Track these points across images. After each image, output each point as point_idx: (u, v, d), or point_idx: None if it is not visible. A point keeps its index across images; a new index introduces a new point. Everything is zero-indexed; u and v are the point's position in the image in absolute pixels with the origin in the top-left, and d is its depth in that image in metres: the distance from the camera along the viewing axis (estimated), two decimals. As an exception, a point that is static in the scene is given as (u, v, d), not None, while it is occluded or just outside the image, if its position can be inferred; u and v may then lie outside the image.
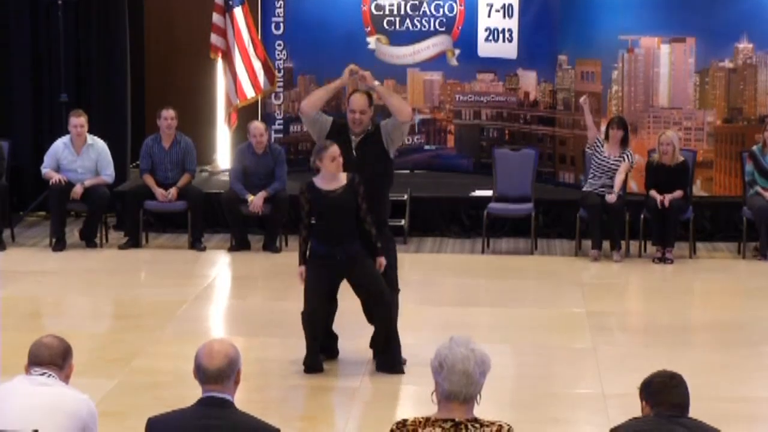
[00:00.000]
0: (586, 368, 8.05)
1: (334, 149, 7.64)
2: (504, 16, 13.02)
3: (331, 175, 7.67)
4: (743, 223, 11.49)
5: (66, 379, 4.64)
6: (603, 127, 11.82)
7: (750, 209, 11.43)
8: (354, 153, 7.89)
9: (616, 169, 11.38)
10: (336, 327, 8.22)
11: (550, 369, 8.09)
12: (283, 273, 10.90)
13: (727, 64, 12.26)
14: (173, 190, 11.73)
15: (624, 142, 11.45)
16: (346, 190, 7.68)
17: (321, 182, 7.72)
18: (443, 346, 4.06)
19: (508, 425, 4.00)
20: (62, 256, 11.39)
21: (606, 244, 11.38)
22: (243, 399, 4.28)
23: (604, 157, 11.41)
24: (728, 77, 12.29)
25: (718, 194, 12.33)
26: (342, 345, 8.32)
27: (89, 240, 11.74)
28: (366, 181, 7.77)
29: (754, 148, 11.53)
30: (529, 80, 13.11)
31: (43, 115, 13.08)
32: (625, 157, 11.42)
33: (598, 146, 11.47)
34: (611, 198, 11.21)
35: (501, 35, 13.06)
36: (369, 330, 8.77)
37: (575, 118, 12.71)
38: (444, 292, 10.29)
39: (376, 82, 8.06)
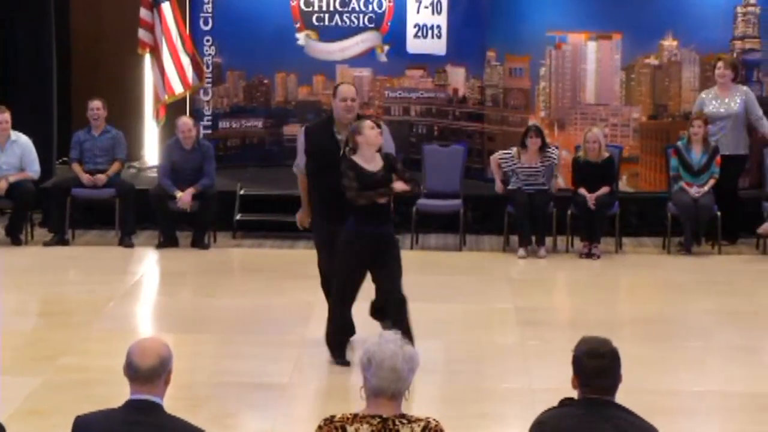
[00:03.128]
0: (515, 363, 8.10)
1: (369, 122, 7.68)
2: (433, 13, 13.04)
3: (371, 154, 7.58)
4: (668, 218, 11.63)
5: None
6: (531, 124, 11.91)
7: (675, 204, 11.57)
8: (342, 150, 7.77)
9: (539, 171, 11.48)
10: (265, 324, 8.19)
11: (479, 364, 8.13)
12: (212, 269, 10.87)
13: (653, 60, 12.41)
14: (101, 176, 11.69)
15: (542, 148, 11.52)
16: (385, 170, 7.66)
17: (362, 161, 7.61)
18: (373, 342, 4.07)
19: (436, 421, 4.02)
20: (-13, 253, 11.26)
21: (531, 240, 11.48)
22: (171, 396, 4.26)
23: (525, 167, 11.49)
24: (653, 74, 12.44)
25: (644, 189, 12.48)
26: (270, 340, 8.31)
27: (14, 237, 11.61)
28: None
29: (679, 143, 11.68)
30: (458, 76, 13.16)
31: (-32, 111, 12.89)
32: (550, 158, 11.51)
33: (512, 160, 11.52)
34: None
35: (430, 31, 13.09)
36: (296, 326, 8.78)
37: (504, 114, 12.79)
38: (373, 288, 10.29)
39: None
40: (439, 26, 13.03)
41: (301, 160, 8.12)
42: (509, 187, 11.66)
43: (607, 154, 11.52)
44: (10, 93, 12.82)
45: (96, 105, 11.91)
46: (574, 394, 4.33)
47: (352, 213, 7.61)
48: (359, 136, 7.55)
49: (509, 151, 11.60)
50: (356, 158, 7.57)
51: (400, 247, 8.03)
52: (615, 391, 4.25)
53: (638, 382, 7.35)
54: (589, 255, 11.35)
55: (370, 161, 7.60)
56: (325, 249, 8.08)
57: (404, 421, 3.98)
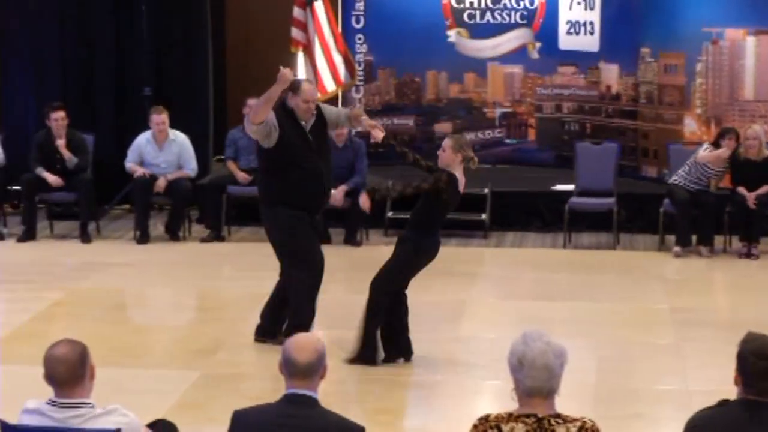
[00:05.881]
0: (670, 364, 7.96)
1: (445, 141, 7.82)
2: (586, 9, 12.91)
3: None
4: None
5: (91, 380, 4.42)
6: (687, 121, 11.69)
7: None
8: (310, 137, 7.96)
9: (717, 174, 11.28)
10: (415, 321, 8.19)
11: (632, 364, 8.01)
12: (363, 266, 10.91)
13: (813, 55, 12.07)
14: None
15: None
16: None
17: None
18: (518, 342, 4.02)
19: (592, 421, 3.96)
20: (146, 248, 11.52)
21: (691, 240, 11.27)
22: (324, 391, 4.28)
23: (707, 166, 11.24)
24: (814, 69, 12.10)
25: (805, 188, 12.13)
26: (421, 338, 8.32)
27: (173, 233, 11.87)
28: (326, 163, 7.99)
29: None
30: (610, 73, 12.99)
31: (127, 109, 13.23)
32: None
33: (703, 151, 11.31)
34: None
35: (582, 28, 12.96)
36: (447, 324, 8.79)
37: (658, 111, 12.58)
38: (524, 287, 10.25)
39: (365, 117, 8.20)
40: (591, 23, 12.88)
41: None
42: (670, 181, 11.46)
43: (767, 153, 11.24)
44: (167, 92, 13.11)
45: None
46: (733, 394, 4.23)
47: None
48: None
49: (704, 144, 11.40)
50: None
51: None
52: None
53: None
54: (748, 255, 11.09)
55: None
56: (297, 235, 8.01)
57: (560, 421, 3.93)
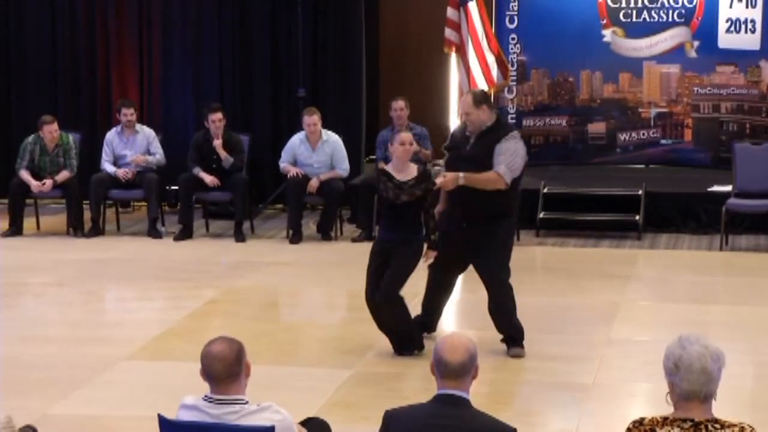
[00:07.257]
0: (832, 371, 7.73)
1: (404, 136, 7.93)
2: (747, 6, 12.63)
3: (402, 164, 7.88)
4: None
5: (246, 378, 4.47)
6: None
7: None
8: (467, 147, 8.08)
9: None
10: (567, 323, 8.11)
11: (793, 370, 7.80)
12: (515, 267, 10.83)
13: None
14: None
15: None
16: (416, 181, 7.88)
17: (393, 170, 7.94)
18: (674, 345, 3.95)
19: (751, 426, 3.86)
20: (298, 248, 11.64)
21: None
22: (473, 392, 4.27)
23: None
24: None
25: None
26: (573, 339, 8.23)
27: (325, 233, 11.98)
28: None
29: None
30: (772, 72, 12.69)
31: (282, 110, 13.41)
32: None
33: None
34: None
35: (743, 26, 12.67)
36: (600, 326, 8.69)
37: (821, 111, 12.23)
38: (679, 289, 10.06)
39: (461, 175, 8.03)
40: (753, 20, 12.59)
41: None
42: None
43: None
44: (320, 93, 13.25)
45: (399, 105, 12.10)
46: None
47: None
48: (391, 146, 7.95)
49: None
50: (388, 167, 7.95)
51: (415, 254, 8.07)
52: None
53: None
54: None
55: (401, 171, 7.86)
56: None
57: (717, 426, 3.84)
